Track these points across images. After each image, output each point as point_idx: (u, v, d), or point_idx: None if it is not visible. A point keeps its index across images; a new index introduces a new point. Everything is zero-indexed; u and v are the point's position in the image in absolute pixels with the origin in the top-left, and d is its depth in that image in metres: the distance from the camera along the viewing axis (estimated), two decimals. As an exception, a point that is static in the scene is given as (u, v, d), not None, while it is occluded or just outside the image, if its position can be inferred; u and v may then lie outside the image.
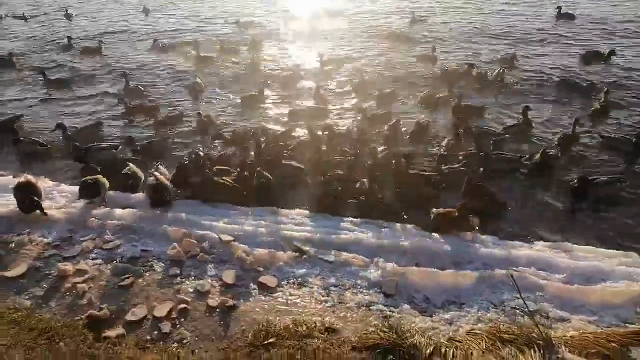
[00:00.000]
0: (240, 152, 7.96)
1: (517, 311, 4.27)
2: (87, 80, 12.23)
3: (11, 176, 7.17)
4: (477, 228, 5.66)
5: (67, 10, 19.03)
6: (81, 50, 14.39)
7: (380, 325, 3.99)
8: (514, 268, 4.88)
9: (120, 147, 8.18)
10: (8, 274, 4.72)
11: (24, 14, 19.03)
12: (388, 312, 4.29)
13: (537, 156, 7.25)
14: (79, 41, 15.45)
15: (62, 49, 14.87)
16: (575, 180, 6.58)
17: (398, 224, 5.90)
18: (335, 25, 17.03)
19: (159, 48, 14.43)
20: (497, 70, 11.14)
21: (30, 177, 6.12)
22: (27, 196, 5.65)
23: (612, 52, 12.19)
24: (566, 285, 4.67)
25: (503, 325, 3.80)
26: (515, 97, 10.34)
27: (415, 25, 16.59)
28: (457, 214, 5.68)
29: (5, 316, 3.97)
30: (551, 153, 7.36)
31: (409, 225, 5.87)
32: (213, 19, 18.12)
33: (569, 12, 17.14)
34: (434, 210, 5.84)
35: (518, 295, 4.06)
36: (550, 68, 11.99)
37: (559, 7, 17.04)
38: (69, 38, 15.14)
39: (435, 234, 5.65)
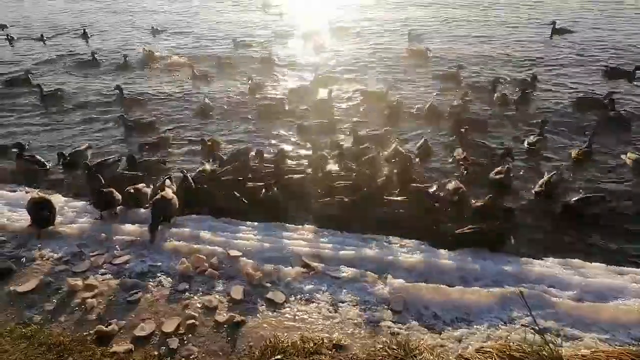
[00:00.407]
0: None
1: (527, 329, 4.20)
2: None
3: (24, 192, 7.29)
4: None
5: (84, 30, 19.21)
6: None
7: (389, 342, 3.97)
8: (523, 285, 4.83)
9: (120, 161, 8.18)
10: (19, 288, 4.77)
11: (42, 35, 19.07)
12: (396, 329, 4.27)
13: (543, 183, 6.90)
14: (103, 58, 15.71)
15: (83, 66, 15.15)
16: (570, 202, 6.50)
17: (406, 240, 5.87)
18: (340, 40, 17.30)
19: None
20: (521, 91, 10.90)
21: (43, 194, 6.21)
22: (42, 212, 5.71)
23: (638, 68, 11.99)
24: (577, 303, 4.61)
25: (513, 343, 3.75)
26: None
27: (413, 41, 16.74)
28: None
29: (16, 331, 4.01)
30: (556, 179, 7.03)
31: (417, 241, 5.84)
32: (217, 39, 18.41)
33: (565, 27, 17.17)
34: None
35: (528, 313, 4.02)
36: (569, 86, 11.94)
37: (554, 22, 16.93)
38: (93, 53, 15.28)
39: (442, 250, 5.63)
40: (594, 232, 6.13)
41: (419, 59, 14.43)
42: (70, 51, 16.89)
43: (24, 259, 5.33)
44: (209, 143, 8.68)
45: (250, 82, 12.15)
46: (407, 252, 5.61)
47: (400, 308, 4.57)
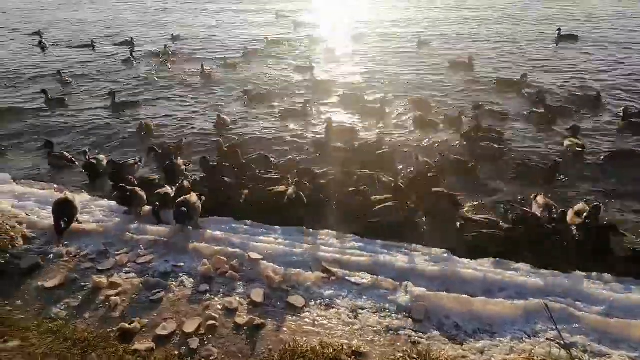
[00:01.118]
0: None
1: (553, 343, 4.10)
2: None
3: (52, 190, 7.50)
4: None
5: (132, 39, 19.43)
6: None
7: (409, 351, 3.93)
8: (548, 298, 4.72)
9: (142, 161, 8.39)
10: (46, 284, 4.88)
11: (92, 41, 19.30)
12: (417, 338, 4.21)
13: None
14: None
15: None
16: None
17: (428, 248, 5.81)
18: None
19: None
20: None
21: (69, 195, 6.36)
22: (61, 217, 5.85)
23: None
24: (605, 319, 4.47)
25: (537, 357, 3.67)
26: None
27: (422, 48, 17.05)
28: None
29: (43, 325, 4.10)
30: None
31: (439, 249, 5.77)
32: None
33: (571, 33, 17.33)
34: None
35: (553, 326, 3.92)
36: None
37: (559, 29, 17.08)
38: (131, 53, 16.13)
39: (465, 260, 5.54)
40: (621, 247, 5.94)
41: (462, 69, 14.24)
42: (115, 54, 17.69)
43: (51, 256, 5.47)
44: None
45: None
46: (429, 260, 5.55)
47: (421, 317, 4.51)
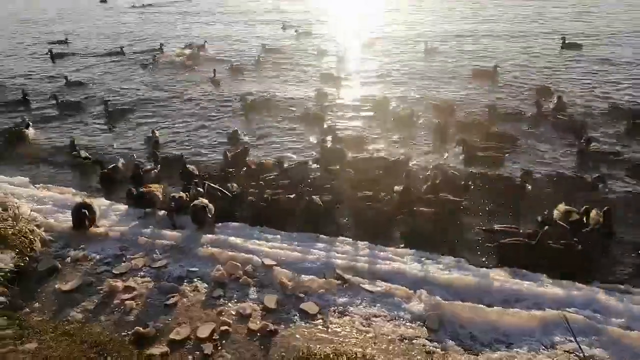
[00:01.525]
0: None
1: (571, 355, 4.02)
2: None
3: (70, 194, 7.61)
4: None
5: (161, 45, 19.33)
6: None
7: (424, 360, 3.88)
8: (567, 309, 4.62)
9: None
10: (63, 287, 4.95)
11: (121, 48, 19.17)
12: (432, 348, 4.16)
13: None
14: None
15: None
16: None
17: (443, 256, 5.75)
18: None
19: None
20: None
21: (87, 199, 6.47)
22: (83, 217, 5.94)
23: None
24: (626, 331, 4.36)
25: (556, 369, 3.59)
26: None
27: (429, 55, 17.02)
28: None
29: (60, 328, 4.15)
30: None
31: (453, 257, 5.71)
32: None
33: (575, 42, 17.30)
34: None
35: (572, 338, 3.85)
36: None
37: (563, 38, 17.20)
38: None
39: (481, 269, 5.48)
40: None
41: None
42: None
43: (68, 259, 5.55)
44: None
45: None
46: (444, 268, 5.50)
47: (435, 326, 4.46)
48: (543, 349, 4.18)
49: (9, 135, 10.75)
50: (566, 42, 16.99)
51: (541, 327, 4.44)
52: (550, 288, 5.09)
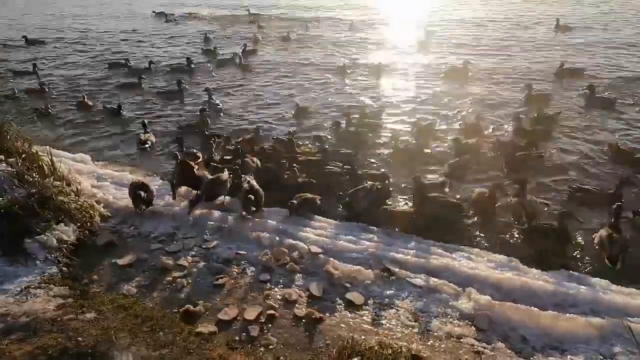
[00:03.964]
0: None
1: (633, 368, 3.80)
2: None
3: (127, 172, 7.93)
4: None
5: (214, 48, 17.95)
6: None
7: (472, 360, 3.77)
8: (628, 318, 4.35)
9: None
10: (120, 261, 5.18)
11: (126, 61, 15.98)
12: (480, 348, 4.04)
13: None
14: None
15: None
16: None
17: (494, 254, 5.56)
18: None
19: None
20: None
21: (142, 179, 6.71)
22: (140, 195, 6.17)
23: None
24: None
25: (615, 381, 3.40)
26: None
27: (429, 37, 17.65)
28: None
29: (116, 301, 4.35)
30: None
31: (505, 256, 5.51)
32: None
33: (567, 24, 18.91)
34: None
35: (636, 350, 3.62)
36: None
37: (557, 20, 18.98)
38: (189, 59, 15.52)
39: (534, 270, 5.25)
40: None
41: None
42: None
43: (124, 235, 5.80)
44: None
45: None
46: (494, 266, 5.31)
47: (485, 326, 4.32)
48: (601, 359, 3.96)
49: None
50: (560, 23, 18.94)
51: (600, 336, 4.20)
52: (610, 294, 4.81)
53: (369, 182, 6.79)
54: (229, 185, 6.72)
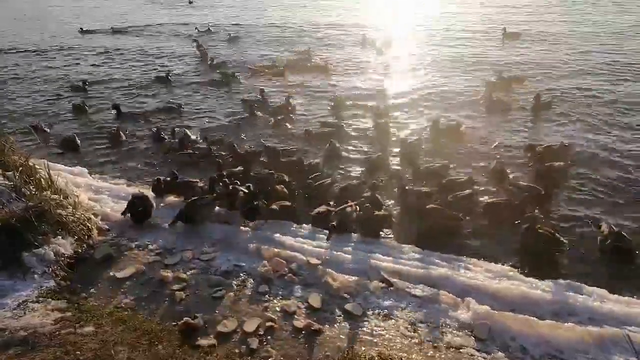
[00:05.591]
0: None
1: (632, 377, 3.81)
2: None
3: (124, 185, 7.94)
4: None
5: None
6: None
7: (472, 370, 3.77)
8: (627, 328, 4.37)
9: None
10: (118, 274, 5.16)
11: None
12: (480, 358, 4.04)
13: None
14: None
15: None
16: None
17: (492, 264, 5.58)
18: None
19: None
20: None
21: (142, 191, 6.72)
22: (139, 209, 6.17)
23: None
24: (693, 354, 4.08)
25: (614, 390, 3.40)
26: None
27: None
28: None
29: (115, 314, 4.33)
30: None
31: (503, 266, 5.55)
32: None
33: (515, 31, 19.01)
34: None
35: (635, 359, 3.63)
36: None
37: (504, 28, 18.89)
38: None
39: (533, 279, 5.27)
40: None
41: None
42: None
43: (122, 247, 5.78)
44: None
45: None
46: (493, 276, 5.33)
47: (484, 336, 4.33)
48: (600, 367, 3.98)
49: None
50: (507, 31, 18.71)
51: (598, 345, 4.21)
52: (608, 303, 4.84)
53: (351, 202, 6.70)
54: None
